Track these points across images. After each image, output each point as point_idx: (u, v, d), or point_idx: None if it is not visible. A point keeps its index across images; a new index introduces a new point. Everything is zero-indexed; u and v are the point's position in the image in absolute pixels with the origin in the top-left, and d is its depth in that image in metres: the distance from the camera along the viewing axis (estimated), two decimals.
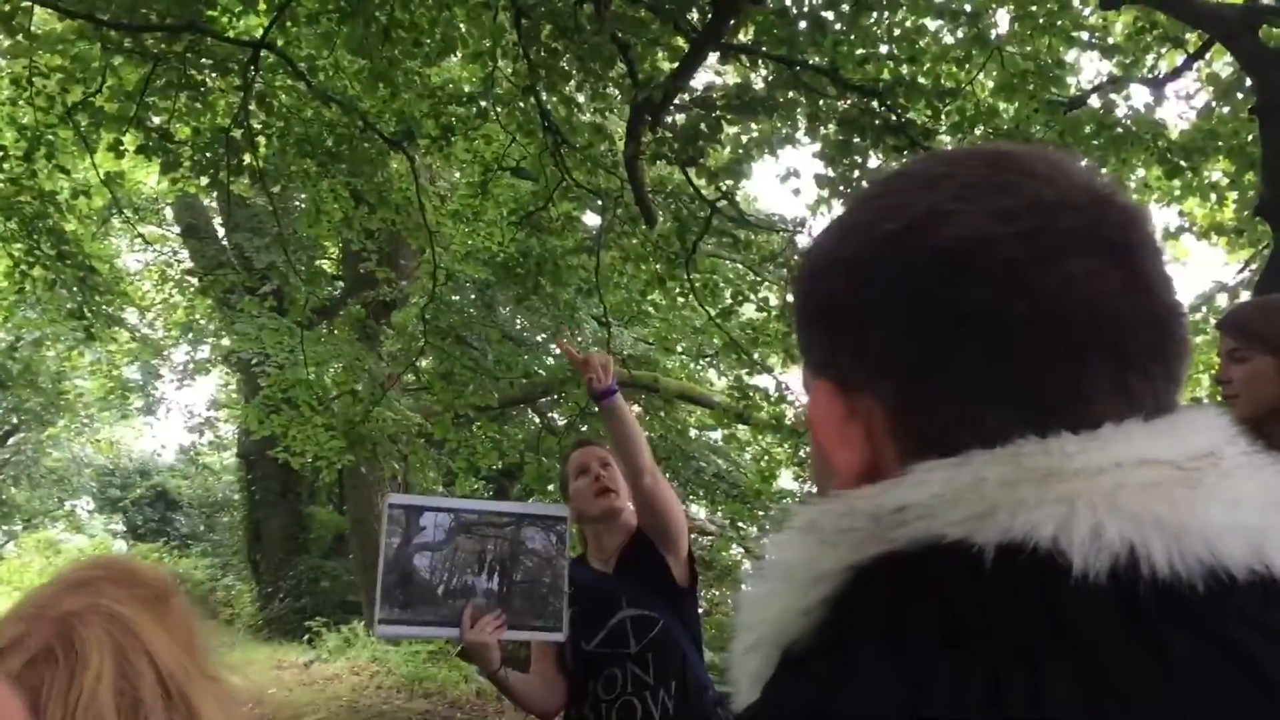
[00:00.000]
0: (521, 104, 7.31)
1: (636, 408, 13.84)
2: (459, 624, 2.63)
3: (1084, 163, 0.65)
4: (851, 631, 0.58)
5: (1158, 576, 0.53)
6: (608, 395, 2.78)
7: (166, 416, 36.34)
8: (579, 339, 11.43)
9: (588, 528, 2.98)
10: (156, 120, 7.40)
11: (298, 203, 11.45)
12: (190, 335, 16.16)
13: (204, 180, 7.62)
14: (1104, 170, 6.29)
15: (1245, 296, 6.98)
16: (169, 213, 15.50)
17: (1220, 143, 6.73)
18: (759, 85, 6.53)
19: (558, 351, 12.14)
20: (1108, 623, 0.53)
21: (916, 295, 0.61)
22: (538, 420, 13.21)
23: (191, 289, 14.29)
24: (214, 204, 13.64)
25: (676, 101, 6.31)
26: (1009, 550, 0.54)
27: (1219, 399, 2.24)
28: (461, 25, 7.17)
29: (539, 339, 12.68)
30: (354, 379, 9.24)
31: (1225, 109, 6.80)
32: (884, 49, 6.32)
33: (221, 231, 14.09)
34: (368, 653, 10.97)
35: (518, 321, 12.63)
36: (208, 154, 7.44)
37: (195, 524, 22.11)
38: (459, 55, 7.60)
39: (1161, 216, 8.42)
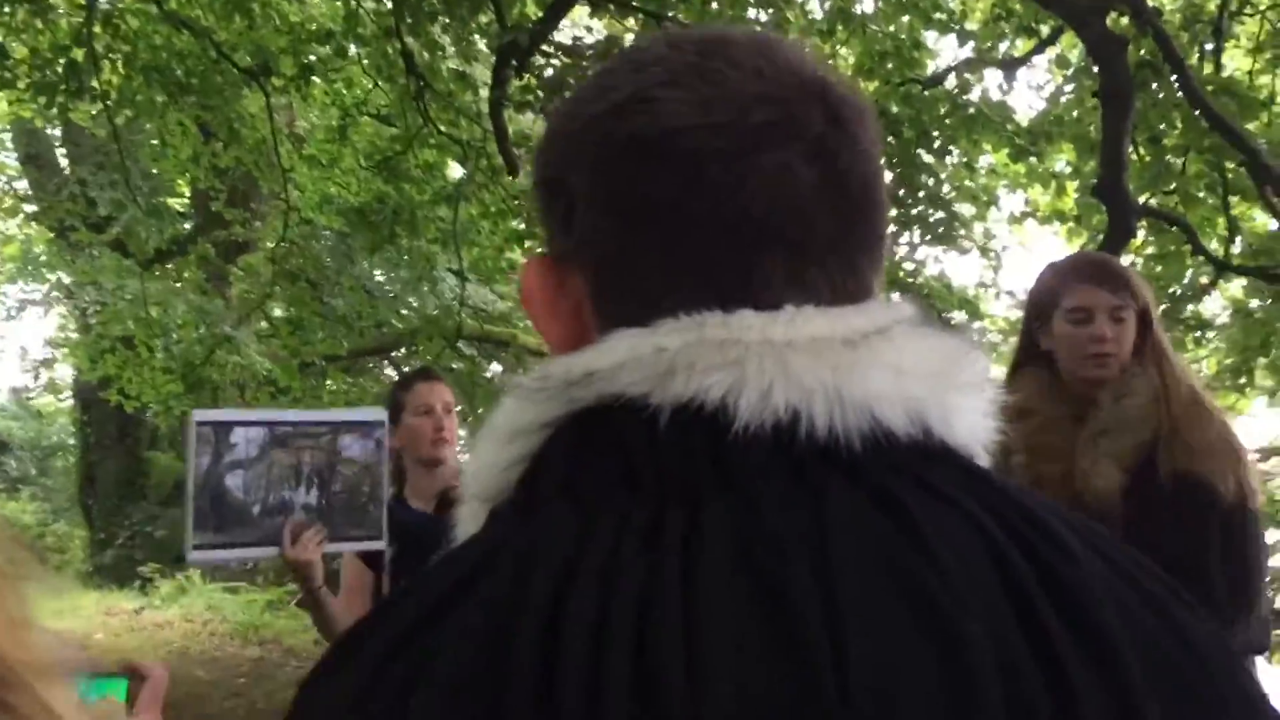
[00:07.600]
0: (385, 47, 7.12)
1: (496, 365, 13.72)
2: (279, 542, 2.54)
3: (804, 50, 0.66)
4: (539, 482, 0.61)
5: (815, 434, 0.57)
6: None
7: None
8: (437, 291, 11.22)
9: (411, 466, 2.92)
10: None
11: (145, 134, 10.93)
12: (28, 270, 15.35)
13: (42, 101, 7.19)
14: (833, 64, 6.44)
15: None
16: (8, 139, 14.62)
17: (1065, 129, 7.01)
18: (628, 38, 6.52)
19: (415, 303, 11.93)
20: (765, 468, 0.56)
21: (610, 181, 0.63)
22: (392, 373, 12.98)
23: (27, 218, 13.55)
24: (56, 132, 12.94)
25: (546, 51, 6.25)
26: (682, 407, 0.57)
27: (1089, 361, 2.11)
28: None
29: (396, 291, 12.39)
30: (198, 320, 8.86)
31: (1072, 95, 7.08)
32: (750, 14, 6.36)
33: (65, 163, 13.37)
34: (203, 601, 10.64)
35: (376, 274, 12.33)
36: (46, 74, 7.02)
37: (26, 467, 21.06)
38: None
39: (1009, 202, 8.76)
